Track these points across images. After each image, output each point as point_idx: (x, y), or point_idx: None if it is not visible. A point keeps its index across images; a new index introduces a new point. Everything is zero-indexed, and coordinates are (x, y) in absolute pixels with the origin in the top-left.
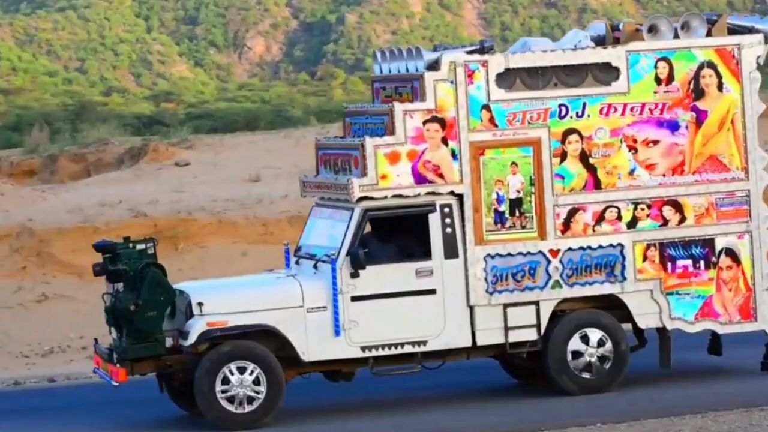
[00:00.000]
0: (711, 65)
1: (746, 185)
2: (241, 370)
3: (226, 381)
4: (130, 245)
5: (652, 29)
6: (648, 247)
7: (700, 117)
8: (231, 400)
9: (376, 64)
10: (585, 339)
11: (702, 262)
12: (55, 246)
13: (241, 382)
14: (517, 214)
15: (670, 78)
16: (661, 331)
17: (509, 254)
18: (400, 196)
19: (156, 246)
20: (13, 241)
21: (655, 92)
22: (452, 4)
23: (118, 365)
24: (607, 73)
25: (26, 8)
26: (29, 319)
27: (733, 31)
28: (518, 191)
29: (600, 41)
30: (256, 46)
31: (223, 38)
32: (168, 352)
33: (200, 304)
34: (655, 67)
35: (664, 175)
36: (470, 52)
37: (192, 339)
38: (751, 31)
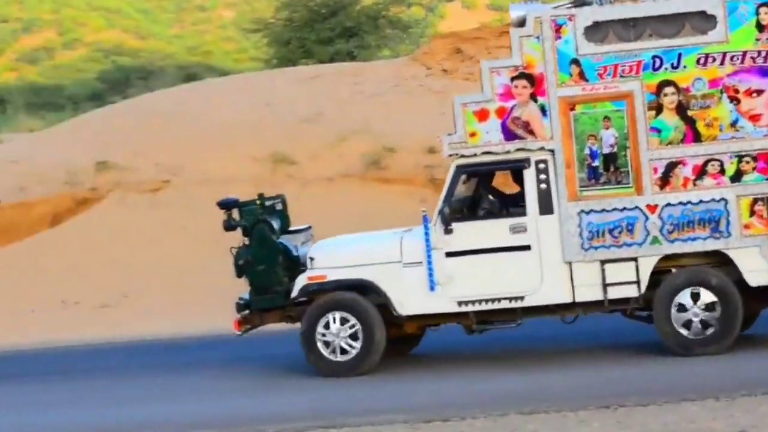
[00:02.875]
0: None
1: None
2: (342, 321)
3: (327, 327)
4: (258, 201)
5: None
6: (755, 201)
7: None
8: (327, 346)
9: None
10: (692, 298)
11: None
12: None
13: (338, 332)
14: (612, 169)
15: None
16: None
17: (604, 210)
18: (490, 152)
19: (285, 202)
20: None
21: (757, 39)
22: None
23: (238, 315)
24: (704, 21)
25: None
26: None
27: None
28: (612, 146)
29: None
30: None
31: None
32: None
33: (312, 259)
34: (756, 13)
35: None
36: (568, 6)
37: (295, 292)
38: None
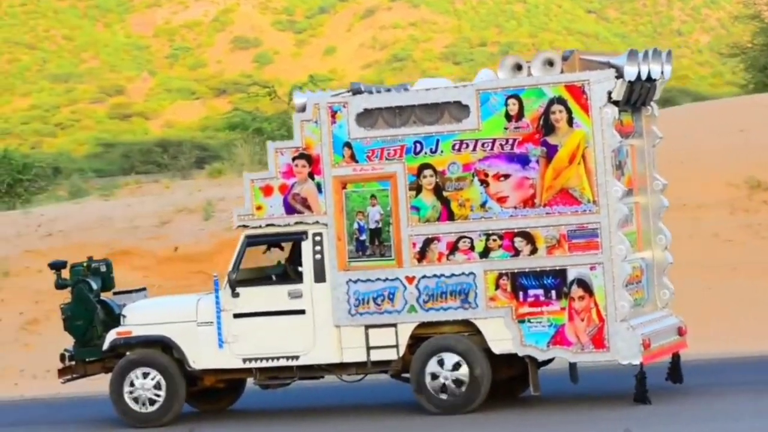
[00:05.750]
0: (561, 101)
1: (597, 218)
2: (144, 375)
3: (132, 385)
4: (85, 264)
5: (518, 67)
6: (500, 276)
7: (551, 151)
8: (136, 401)
9: None
10: (441, 363)
11: (554, 292)
12: None
13: (143, 386)
14: (377, 243)
15: (520, 114)
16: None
17: (369, 280)
18: (273, 225)
19: (110, 265)
20: None
21: (506, 128)
22: None
23: (61, 365)
24: (460, 111)
25: None
26: None
27: (597, 66)
28: (377, 222)
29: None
30: None
31: None
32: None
33: (124, 317)
34: (506, 104)
35: (515, 208)
36: (344, 94)
37: (105, 345)
38: (607, 66)
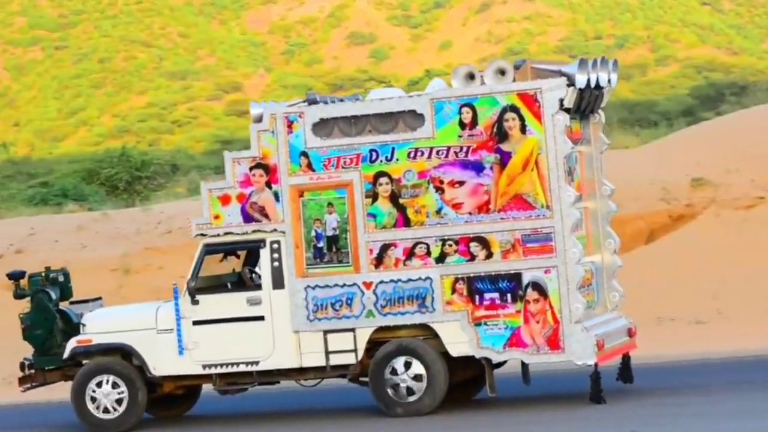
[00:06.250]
0: (514, 109)
1: (551, 222)
2: (114, 385)
3: (99, 386)
4: (43, 274)
5: (471, 76)
6: (456, 280)
7: (504, 158)
8: (93, 401)
9: None
10: (399, 366)
11: (509, 295)
12: None
13: (107, 394)
14: (334, 249)
15: (474, 122)
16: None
17: (327, 286)
18: (231, 233)
19: (67, 275)
20: None
21: (460, 136)
22: None
23: (21, 374)
24: (415, 119)
25: None
26: None
27: (548, 75)
28: (335, 229)
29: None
30: None
31: None
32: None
33: (83, 325)
34: (459, 112)
35: (470, 213)
36: (299, 104)
37: (66, 353)
38: (558, 75)
